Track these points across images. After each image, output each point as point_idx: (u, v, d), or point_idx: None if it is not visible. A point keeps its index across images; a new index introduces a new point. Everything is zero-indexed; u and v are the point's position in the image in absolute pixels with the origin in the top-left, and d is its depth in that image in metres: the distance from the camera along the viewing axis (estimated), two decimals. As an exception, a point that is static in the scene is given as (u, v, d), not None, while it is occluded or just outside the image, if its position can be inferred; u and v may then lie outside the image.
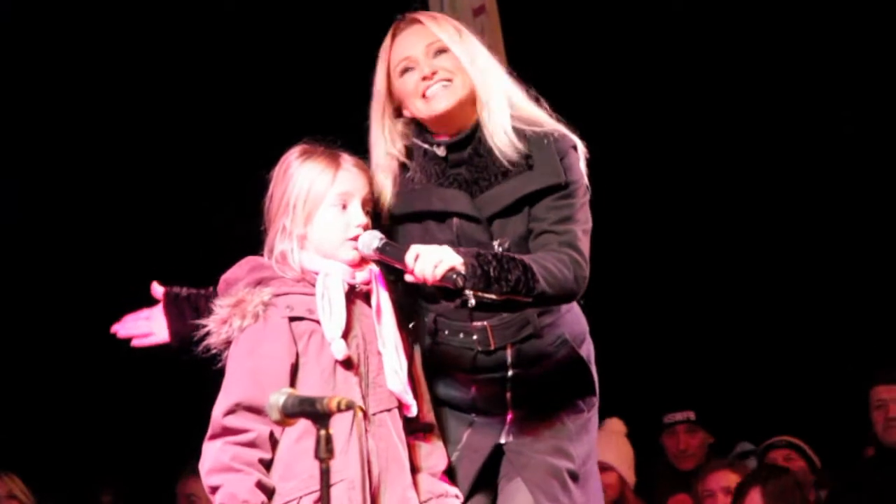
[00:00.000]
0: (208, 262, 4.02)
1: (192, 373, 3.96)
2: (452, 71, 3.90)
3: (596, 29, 7.69)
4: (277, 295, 3.81)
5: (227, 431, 3.74)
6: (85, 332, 6.86)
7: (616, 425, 7.06)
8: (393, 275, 3.93)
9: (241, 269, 3.88)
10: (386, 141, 3.99)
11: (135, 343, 4.08)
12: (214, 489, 3.73)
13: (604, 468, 6.86)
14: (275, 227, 3.89)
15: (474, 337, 3.97)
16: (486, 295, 3.74)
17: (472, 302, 3.79)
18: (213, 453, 3.74)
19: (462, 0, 6.98)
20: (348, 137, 3.98)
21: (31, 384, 7.39)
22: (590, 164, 4.00)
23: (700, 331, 7.84)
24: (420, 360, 4.01)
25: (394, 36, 3.97)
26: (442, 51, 3.92)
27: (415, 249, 3.70)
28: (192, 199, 7.43)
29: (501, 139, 3.90)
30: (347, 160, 3.92)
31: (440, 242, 3.81)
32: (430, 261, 3.66)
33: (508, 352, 3.98)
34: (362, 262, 3.89)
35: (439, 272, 3.65)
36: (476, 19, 6.96)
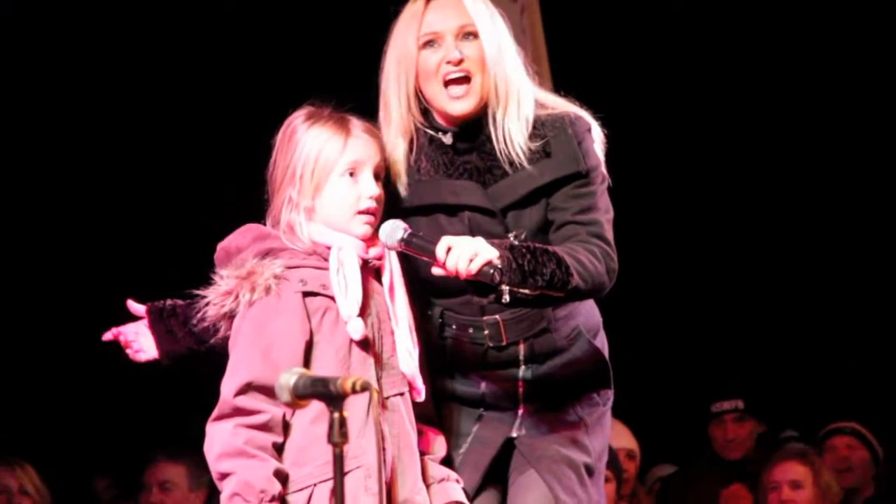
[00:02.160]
0: (205, 248, 3.79)
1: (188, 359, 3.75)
2: (475, 63, 3.69)
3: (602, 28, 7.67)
4: (289, 267, 3.59)
5: (238, 412, 3.52)
6: (79, 318, 6.75)
7: None
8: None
9: (244, 238, 3.65)
10: (402, 105, 3.74)
11: (129, 354, 3.89)
12: (224, 475, 3.51)
13: (631, 456, 6.74)
14: (280, 197, 3.65)
15: (485, 332, 3.78)
16: (521, 290, 3.52)
17: (507, 298, 3.52)
18: (223, 436, 3.51)
19: None
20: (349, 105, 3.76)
21: (24, 372, 7.30)
22: (612, 150, 3.83)
23: (749, 316, 7.73)
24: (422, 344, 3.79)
25: (427, 2, 3.74)
26: (472, 35, 3.71)
27: (446, 241, 3.48)
28: (190, 188, 7.32)
29: (519, 140, 3.69)
30: (357, 126, 3.68)
31: (452, 235, 3.59)
32: (465, 254, 3.43)
33: (521, 347, 3.79)
34: (375, 236, 3.67)
35: (475, 266, 3.43)
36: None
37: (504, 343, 3.77)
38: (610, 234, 3.69)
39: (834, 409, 7.16)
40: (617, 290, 3.74)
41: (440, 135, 3.74)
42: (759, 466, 6.67)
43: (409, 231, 3.58)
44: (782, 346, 7.68)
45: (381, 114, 3.77)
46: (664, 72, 7.67)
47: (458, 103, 3.69)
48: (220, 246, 3.66)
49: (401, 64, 3.72)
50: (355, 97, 3.75)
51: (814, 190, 7.73)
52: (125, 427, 7.29)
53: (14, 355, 7.21)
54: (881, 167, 7.61)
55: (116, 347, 3.90)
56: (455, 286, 3.65)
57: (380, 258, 3.65)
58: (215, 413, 3.54)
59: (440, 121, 3.75)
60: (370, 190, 3.63)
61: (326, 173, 3.61)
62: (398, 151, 3.75)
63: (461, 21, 3.71)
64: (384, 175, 3.70)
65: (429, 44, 3.71)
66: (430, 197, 3.73)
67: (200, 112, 7.27)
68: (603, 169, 3.76)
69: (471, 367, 3.81)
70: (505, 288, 3.48)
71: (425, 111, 3.76)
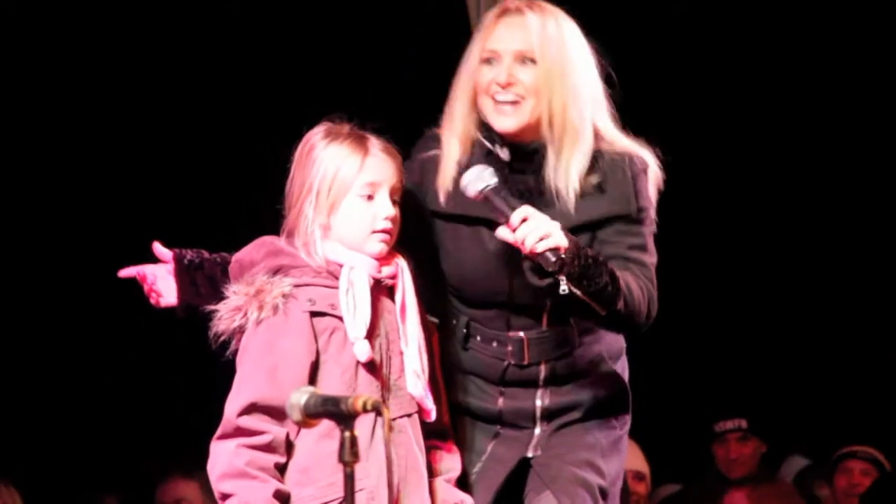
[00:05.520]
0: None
1: (196, 373, 3.71)
2: (528, 90, 3.65)
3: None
4: (298, 286, 3.56)
5: (240, 432, 3.49)
6: (86, 332, 6.69)
7: None
8: (419, 268, 3.71)
9: (258, 252, 3.62)
10: (465, 114, 3.72)
11: (150, 298, 3.81)
12: (226, 496, 3.50)
13: (639, 477, 6.72)
14: (296, 213, 3.62)
15: (509, 348, 3.76)
16: (575, 288, 3.51)
17: (564, 288, 3.50)
18: (225, 456, 3.50)
19: None
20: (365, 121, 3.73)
21: (29, 387, 7.23)
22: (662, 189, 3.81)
23: (752, 335, 7.72)
24: (439, 360, 3.77)
25: (498, 17, 3.72)
26: (531, 61, 3.67)
27: (524, 211, 3.48)
28: (194, 194, 7.26)
29: (573, 177, 3.66)
30: (375, 145, 3.64)
31: (489, 251, 3.67)
32: (538, 231, 3.45)
33: (542, 368, 3.78)
34: (389, 255, 3.64)
35: (542, 246, 3.45)
36: None
37: (525, 362, 3.76)
38: (655, 279, 3.69)
39: (838, 428, 7.17)
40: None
41: (497, 148, 3.71)
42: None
43: (496, 185, 3.56)
44: (786, 365, 7.66)
45: (446, 118, 3.76)
46: (662, 84, 7.64)
47: (502, 119, 3.67)
48: (235, 258, 3.64)
49: (467, 74, 3.72)
50: (373, 109, 3.72)
51: (816, 206, 7.71)
52: (133, 444, 7.23)
53: (19, 370, 7.16)
54: (886, 185, 7.62)
55: (127, 358, 3.85)
56: (494, 291, 3.66)
57: (393, 277, 3.63)
58: (219, 432, 3.52)
59: (500, 137, 3.72)
60: (386, 210, 3.60)
61: (343, 192, 3.58)
62: (454, 156, 3.72)
63: (522, 46, 3.67)
64: (400, 196, 3.66)
65: (488, 60, 3.69)
66: (478, 209, 3.68)
67: (219, 123, 7.24)
68: (653, 213, 3.75)
69: (490, 382, 3.79)
70: (563, 278, 3.47)
71: (484, 125, 3.73)
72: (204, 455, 3.56)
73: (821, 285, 7.71)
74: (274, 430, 3.49)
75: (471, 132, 3.72)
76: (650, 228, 3.73)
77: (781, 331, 7.71)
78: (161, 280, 3.79)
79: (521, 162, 3.70)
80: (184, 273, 3.75)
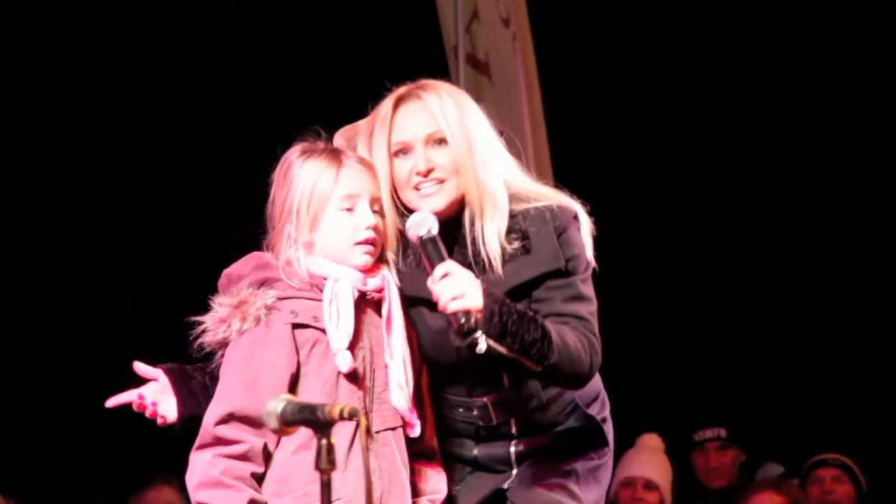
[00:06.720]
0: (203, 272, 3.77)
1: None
2: (448, 170, 3.64)
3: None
4: (281, 298, 3.56)
5: (218, 442, 3.51)
6: (72, 338, 6.68)
7: (654, 441, 6.91)
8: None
9: (246, 266, 3.64)
10: (391, 207, 3.68)
11: (157, 421, 3.71)
12: None
13: (650, 486, 6.69)
14: (278, 233, 3.64)
15: (475, 413, 3.77)
16: (498, 347, 3.47)
17: (482, 347, 3.47)
18: (202, 466, 3.51)
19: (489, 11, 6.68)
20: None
21: (16, 393, 7.22)
22: (596, 173, 3.73)
23: (731, 344, 7.73)
24: (427, 380, 3.76)
25: (395, 107, 3.69)
26: (443, 141, 3.66)
27: (445, 267, 3.48)
28: (190, 205, 7.27)
29: (493, 243, 3.63)
30: (351, 157, 3.66)
31: (432, 329, 3.67)
32: (451, 290, 3.44)
33: (512, 423, 3.78)
34: (375, 266, 3.64)
35: (452, 307, 3.43)
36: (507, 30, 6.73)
37: (494, 423, 3.77)
38: (596, 327, 3.66)
39: (817, 437, 7.17)
40: (599, 319, 3.72)
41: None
42: (742, 495, 6.67)
43: (433, 236, 3.55)
44: (765, 374, 7.67)
45: None
46: (654, 91, 7.66)
47: (429, 201, 3.64)
48: (225, 272, 3.66)
49: (376, 167, 3.68)
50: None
51: (794, 215, 7.73)
52: (114, 453, 7.20)
53: (7, 377, 7.15)
54: (869, 195, 7.65)
55: (111, 366, 3.83)
56: (446, 364, 3.67)
57: (379, 290, 3.63)
58: (197, 442, 3.54)
59: None
60: (367, 220, 3.60)
61: (322, 206, 3.59)
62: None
63: (429, 129, 3.66)
64: (381, 206, 3.66)
65: (400, 152, 3.67)
66: (413, 289, 3.67)
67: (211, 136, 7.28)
68: (588, 255, 3.71)
69: (464, 437, 3.81)
70: (479, 336, 3.44)
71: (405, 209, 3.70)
72: (186, 464, 3.56)
73: (798, 297, 7.71)
74: (251, 440, 3.50)
75: (398, 223, 3.68)
76: (585, 274, 3.69)
77: (760, 339, 7.72)
78: (160, 402, 3.70)
79: (445, 238, 3.64)
80: (181, 385, 3.70)
